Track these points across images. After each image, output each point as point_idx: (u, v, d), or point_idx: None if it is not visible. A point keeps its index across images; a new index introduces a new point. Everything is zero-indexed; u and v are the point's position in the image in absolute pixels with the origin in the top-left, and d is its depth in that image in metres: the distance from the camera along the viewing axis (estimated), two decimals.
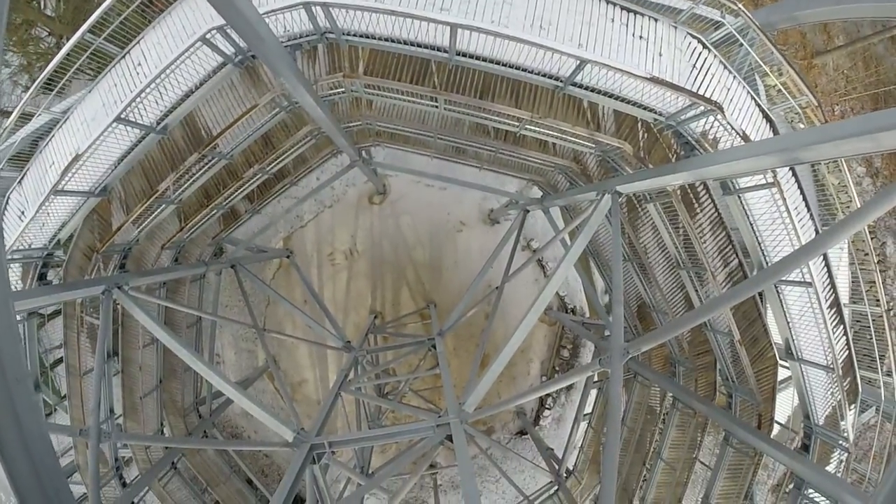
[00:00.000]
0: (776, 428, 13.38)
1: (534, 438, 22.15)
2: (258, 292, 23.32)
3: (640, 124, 12.01)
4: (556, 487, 19.85)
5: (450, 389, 12.96)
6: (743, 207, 10.74)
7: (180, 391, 19.20)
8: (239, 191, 15.85)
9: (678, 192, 11.61)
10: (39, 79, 10.48)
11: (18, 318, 13.18)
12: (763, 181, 10.23)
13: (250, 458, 23.30)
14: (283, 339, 23.06)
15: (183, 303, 18.00)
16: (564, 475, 20.21)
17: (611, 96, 10.39)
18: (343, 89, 13.19)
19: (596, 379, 20.98)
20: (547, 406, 25.01)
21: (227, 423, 24.44)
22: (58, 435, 15.50)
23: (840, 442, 12.42)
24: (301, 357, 24.26)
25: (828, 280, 11.04)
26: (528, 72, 10.23)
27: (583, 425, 21.35)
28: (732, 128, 9.77)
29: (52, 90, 11.01)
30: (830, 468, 12.53)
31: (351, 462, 20.01)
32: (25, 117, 11.70)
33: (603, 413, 20.07)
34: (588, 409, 21.60)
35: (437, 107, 12.85)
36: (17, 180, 11.27)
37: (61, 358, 14.75)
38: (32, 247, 12.19)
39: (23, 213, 11.23)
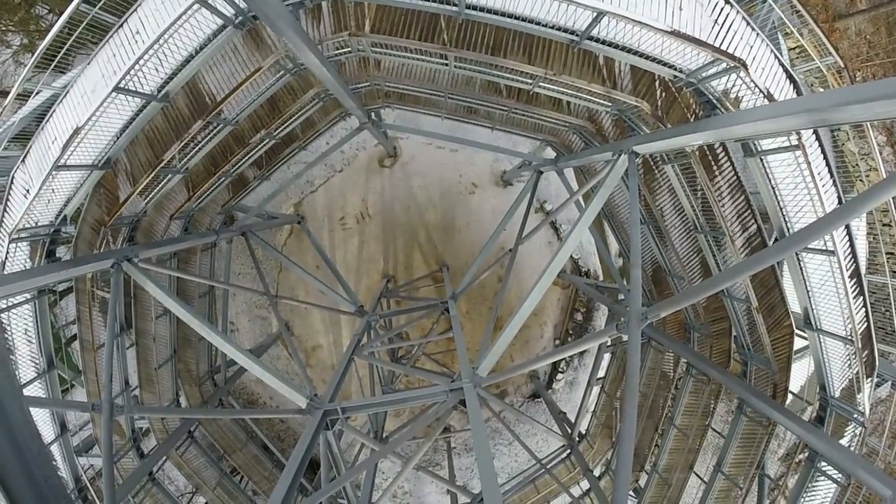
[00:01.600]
0: (789, 397, 13.25)
1: (547, 402, 22.30)
2: (270, 259, 23.39)
3: (657, 82, 11.56)
4: (568, 451, 20.05)
5: (463, 353, 12.94)
6: (765, 170, 10.31)
7: (195, 360, 19.46)
8: (246, 157, 15.68)
9: (697, 153, 11.19)
10: (36, 54, 10.24)
11: (28, 296, 13.29)
12: (787, 143, 9.78)
13: (266, 424, 23.80)
14: (297, 305, 23.19)
15: (195, 272, 18.09)
16: (577, 439, 20.39)
17: (629, 51, 9.88)
18: (350, 49, 12.89)
19: (609, 343, 20.90)
20: (560, 369, 25.12)
21: (243, 389, 24.90)
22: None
23: (855, 416, 12.24)
24: (314, 322, 24.45)
25: (849, 249, 10.65)
26: (543, 25, 9.72)
27: (596, 389, 21.40)
28: (757, 86, 9.27)
29: (55, 67, 10.79)
30: (844, 441, 12.39)
31: (365, 427, 20.30)
32: (27, 96, 11.52)
33: (616, 377, 20.07)
34: (601, 373, 21.61)
35: (447, 65, 12.53)
36: (21, 158, 11.07)
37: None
38: (39, 224, 12.10)
39: (28, 191, 11.06)
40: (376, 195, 23.61)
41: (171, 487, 18.81)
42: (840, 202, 10.15)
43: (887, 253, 13.46)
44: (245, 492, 19.86)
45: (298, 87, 14.15)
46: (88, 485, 15.23)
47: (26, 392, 13.70)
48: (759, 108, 9.24)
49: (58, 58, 10.43)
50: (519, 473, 22.27)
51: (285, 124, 15.46)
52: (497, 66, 11.94)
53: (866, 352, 11.64)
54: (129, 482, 15.31)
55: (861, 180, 13.17)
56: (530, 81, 12.44)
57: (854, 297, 10.84)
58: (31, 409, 13.90)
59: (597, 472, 19.58)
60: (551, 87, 12.46)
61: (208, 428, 19.41)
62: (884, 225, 13.67)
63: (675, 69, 9.94)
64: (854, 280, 10.81)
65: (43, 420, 14.32)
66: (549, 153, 19.23)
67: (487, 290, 23.87)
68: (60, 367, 16.23)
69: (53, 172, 10.70)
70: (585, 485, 19.04)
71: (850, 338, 11.45)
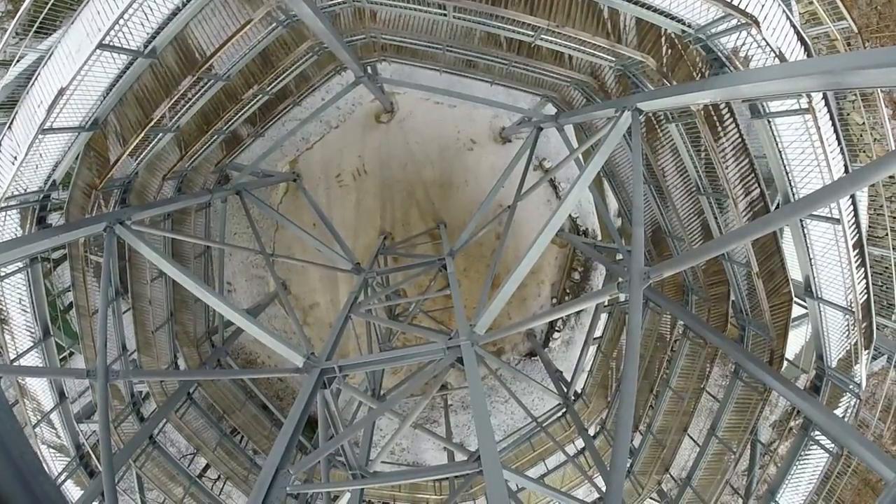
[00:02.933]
0: (784, 365, 13.31)
1: (543, 361, 22.51)
2: (266, 218, 23.13)
3: (664, 38, 11.14)
4: (563, 410, 20.35)
5: (460, 311, 12.93)
6: (772, 133, 10.03)
7: (192, 322, 19.43)
8: (239, 114, 15.34)
9: (702, 112, 10.89)
10: (17, 17, 9.81)
11: (20, 265, 13.13)
12: (797, 106, 9.47)
13: (265, 383, 24.05)
14: (294, 264, 23.10)
15: (190, 233, 17.90)
16: (573, 398, 20.67)
17: (635, 3, 9.50)
18: None
19: (606, 304, 20.90)
20: (557, 328, 25.28)
21: (242, 349, 25.01)
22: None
23: (851, 387, 12.27)
24: (312, 280, 24.43)
25: (853, 218, 10.47)
26: None
27: (592, 349, 21.52)
28: (769, 45, 8.91)
29: (40, 31, 10.46)
30: (838, 412, 12.47)
31: (363, 384, 20.51)
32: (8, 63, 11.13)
33: (613, 338, 20.16)
34: (598, 333, 21.69)
35: (445, 15, 12.26)
36: (7, 125, 10.72)
37: None
38: (28, 191, 11.84)
39: (15, 158, 10.76)
40: (373, 152, 23.19)
41: (173, 450, 19.12)
42: (846, 170, 9.94)
43: (891, 227, 13.22)
44: (245, 451, 20.25)
45: (291, 41, 13.73)
46: (91, 451, 15.37)
47: (23, 362, 13.77)
48: (772, 67, 8.94)
49: (40, 18, 10.02)
50: (515, 431, 22.72)
51: (279, 79, 15.09)
52: (497, 17, 11.62)
53: (865, 323, 11.62)
54: (129, 446, 15.52)
55: (864, 151, 12.81)
56: (532, 33, 12.09)
57: (857, 268, 10.76)
58: (28, 378, 14.00)
59: (592, 432, 19.90)
60: (554, 39, 12.11)
61: (207, 389, 19.59)
62: (886, 199, 13.42)
63: (684, 24, 9.58)
64: (857, 250, 10.70)
65: (41, 388, 14.42)
66: (550, 109, 18.78)
67: (485, 247, 23.80)
68: (59, 335, 16.21)
69: (40, 136, 10.42)
70: (580, 443, 19.42)
71: (850, 308, 11.38)
